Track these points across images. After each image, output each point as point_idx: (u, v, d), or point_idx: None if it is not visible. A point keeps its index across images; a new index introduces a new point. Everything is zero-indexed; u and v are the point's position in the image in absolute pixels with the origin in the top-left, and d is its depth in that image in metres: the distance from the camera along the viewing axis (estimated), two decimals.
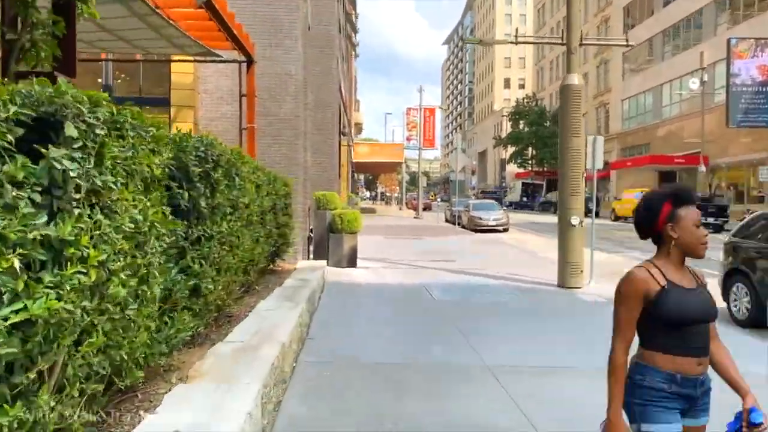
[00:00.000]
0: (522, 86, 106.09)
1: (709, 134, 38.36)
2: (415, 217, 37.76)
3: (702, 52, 33.70)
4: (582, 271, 10.72)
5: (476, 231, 26.64)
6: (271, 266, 10.03)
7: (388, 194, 74.22)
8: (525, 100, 65.50)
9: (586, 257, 11.04)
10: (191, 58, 10.69)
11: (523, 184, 60.82)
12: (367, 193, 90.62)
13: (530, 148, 65.51)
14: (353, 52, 52.87)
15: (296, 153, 11.70)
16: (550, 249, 19.09)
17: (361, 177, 73.28)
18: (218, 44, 10.04)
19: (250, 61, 10.55)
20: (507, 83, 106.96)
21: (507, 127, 78.49)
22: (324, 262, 12.02)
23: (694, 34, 42.89)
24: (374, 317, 7.78)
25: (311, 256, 12.97)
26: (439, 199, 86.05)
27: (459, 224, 29.33)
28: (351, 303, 8.73)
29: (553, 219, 41.41)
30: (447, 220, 34.73)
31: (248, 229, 6.07)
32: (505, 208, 40.46)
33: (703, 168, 33.55)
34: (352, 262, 12.62)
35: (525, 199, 57.93)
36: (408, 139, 38.10)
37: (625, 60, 54.02)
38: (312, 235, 13.00)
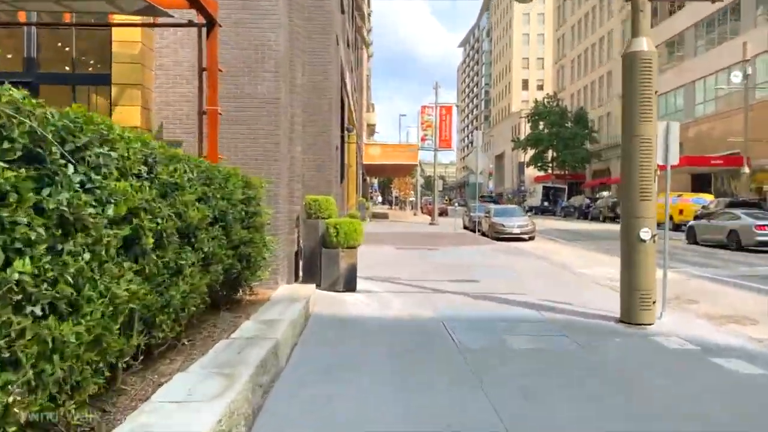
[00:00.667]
0: (540, 87, 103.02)
1: (750, 133, 35.27)
2: (430, 223, 35.09)
3: (745, 43, 30.73)
4: (654, 302, 8.01)
5: (498, 239, 23.95)
6: (238, 295, 7.46)
7: (402, 199, 71.45)
8: (545, 100, 62.58)
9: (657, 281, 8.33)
10: (136, 20, 8.17)
11: (544, 188, 57.86)
12: (380, 198, 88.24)
13: (550, 151, 62.55)
14: (366, 48, 50.42)
15: (277, 145, 9.12)
16: (587, 263, 16.38)
17: (375, 181, 70.65)
18: (168, 0, 7.52)
19: (210, 24, 8.00)
20: (525, 84, 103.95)
21: (525, 129, 75.54)
22: (312, 287, 9.42)
23: (732, 27, 39.85)
24: (367, 390, 5.13)
25: (300, 276, 10.39)
26: (456, 204, 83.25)
27: (479, 231, 26.61)
28: (337, 358, 6.10)
29: (579, 225, 38.89)
30: (465, 227, 32.03)
31: (143, 260, 3.49)
32: (529, 214, 37.70)
33: (746, 169, 30.54)
34: (350, 284, 10.01)
35: (546, 203, 55.03)
36: (423, 139, 35.41)
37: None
38: (302, 249, 10.43)
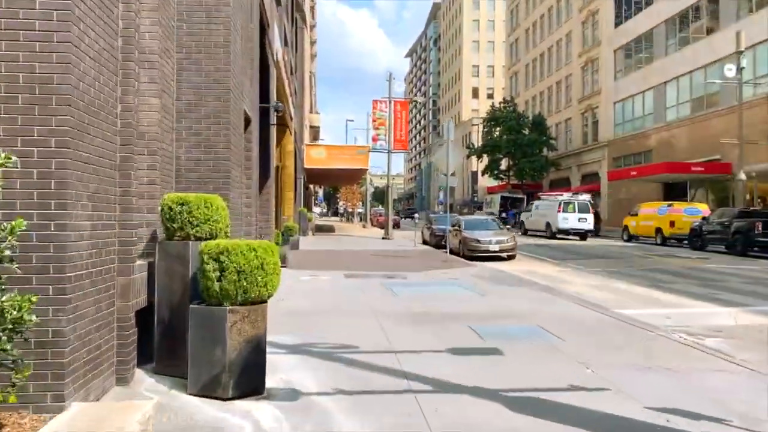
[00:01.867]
0: (491, 95, 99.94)
1: (730, 137, 31.87)
2: (384, 237, 29.98)
3: (739, 32, 27.15)
4: None
5: (473, 258, 19.09)
6: None
7: (349, 210, 66.07)
8: (502, 105, 58.74)
9: None
10: None
11: (503, 198, 53.71)
12: (319, 210, 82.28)
13: (506, 159, 58.63)
14: (310, 45, 45.18)
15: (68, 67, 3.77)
16: (625, 299, 11.03)
17: (319, 191, 64.93)
18: None
19: None
20: (475, 92, 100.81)
21: (478, 138, 71.69)
22: (150, 406, 4.07)
23: (709, 23, 36.69)
24: None
25: (153, 362, 5.08)
26: (402, 216, 78.57)
27: (445, 248, 21.76)
28: None
29: (550, 240, 34.77)
30: (425, 242, 27.07)
31: None
32: (508, 227, 33.12)
33: (743, 176, 26.82)
34: (250, 381, 4.72)
35: (504, 215, 50.89)
36: (374, 139, 30.26)
37: (617, 57, 47.78)
38: (158, 304, 5.10)
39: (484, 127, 59.41)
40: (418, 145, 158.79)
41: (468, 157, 65.33)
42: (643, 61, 44.00)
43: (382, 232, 31.75)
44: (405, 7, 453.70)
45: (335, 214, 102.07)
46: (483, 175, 62.35)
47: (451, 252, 19.47)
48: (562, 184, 56.90)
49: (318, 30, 68.45)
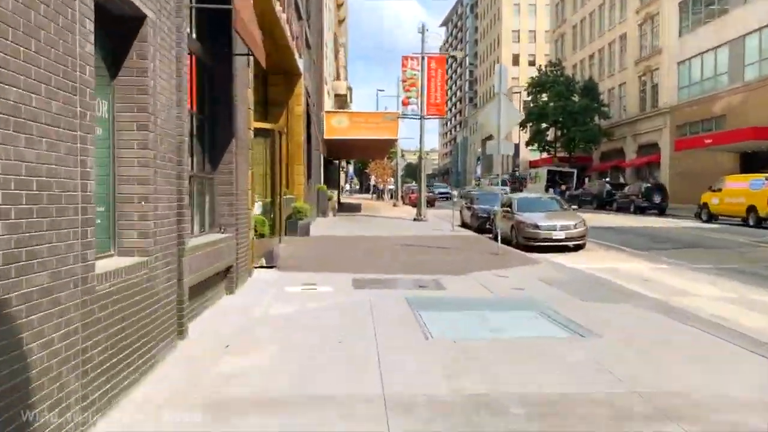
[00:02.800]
0: (532, 63, 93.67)
1: None
2: (416, 219, 25.63)
3: None
4: None
5: (530, 248, 14.62)
6: None
7: (380, 186, 61.51)
8: (548, 69, 53.21)
9: None
10: None
11: (550, 172, 48.46)
12: (349, 187, 77.39)
13: (552, 130, 53.27)
14: (336, 4, 40.72)
15: None
16: None
17: (349, 166, 60.58)
18: None
19: None
20: (515, 60, 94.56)
21: (520, 108, 65.82)
22: None
23: None
24: None
25: None
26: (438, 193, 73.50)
27: (490, 232, 17.38)
28: None
29: (613, 218, 28.71)
30: (464, 224, 22.64)
31: None
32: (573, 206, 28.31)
33: None
34: None
35: (552, 191, 45.87)
36: (405, 103, 25.56)
37: (683, 10, 41.83)
38: None
39: (528, 94, 54.03)
40: (453, 119, 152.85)
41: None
42: (716, 13, 38.07)
43: (414, 211, 27.32)
44: None
45: (368, 191, 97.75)
46: (528, 146, 57.07)
47: (502, 240, 15.01)
48: (615, 156, 51.40)
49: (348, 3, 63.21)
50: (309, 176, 21.23)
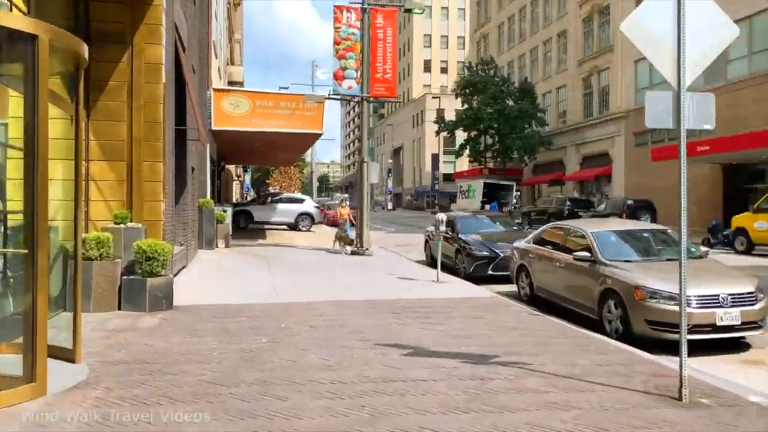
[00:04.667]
0: (444, 70, 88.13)
1: None
2: (354, 252, 16.92)
3: None
4: None
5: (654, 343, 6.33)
6: None
7: None
8: (479, 67, 46.44)
9: None
10: None
11: (487, 185, 41.33)
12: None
13: (484, 137, 46.48)
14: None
15: None
16: None
17: (246, 175, 50.03)
18: None
19: None
20: (427, 66, 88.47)
21: (428, 118, 58.77)
22: None
23: None
24: None
25: None
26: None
27: (492, 281, 9.32)
28: None
29: None
30: (432, 261, 14.27)
31: None
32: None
33: None
34: None
35: (488, 207, 38.88)
36: (337, 77, 16.36)
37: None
38: None
39: (457, 95, 46.85)
40: (357, 129, 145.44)
41: (438, 133, 52.63)
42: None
43: (339, 239, 18.22)
44: None
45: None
46: (458, 156, 49.90)
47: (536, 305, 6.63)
48: (554, 168, 45.30)
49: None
50: (180, 185, 11.96)
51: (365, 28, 16.51)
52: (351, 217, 18.32)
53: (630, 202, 27.36)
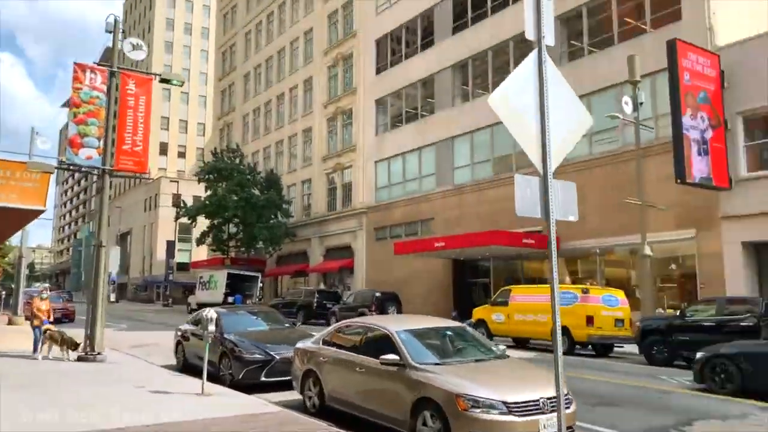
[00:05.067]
0: (182, 154, 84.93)
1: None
2: (80, 358, 13.57)
3: (632, 56, 20.18)
4: None
5: None
6: None
7: None
8: (225, 154, 45.25)
9: None
10: None
11: (231, 276, 39.05)
12: None
13: (228, 226, 44.78)
14: None
15: None
16: None
17: None
18: None
19: None
20: (163, 148, 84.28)
21: (163, 202, 55.14)
22: None
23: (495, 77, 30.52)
24: None
25: None
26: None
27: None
28: None
29: None
30: (185, 365, 12.17)
31: None
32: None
33: (648, 251, 19.16)
34: None
35: (231, 299, 36.69)
36: (74, 144, 13.22)
37: (380, 110, 39.42)
38: None
39: (200, 181, 44.65)
40: (74, 210, 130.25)
41: (177, 218, 49.02)
42: (418, 115, 36.30)
43: (56, 340, 14.61)
44: (63, 55, 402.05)
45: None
46: (200, 244, 46.82)
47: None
48: (298, 260, 45.27)
49: None
50: None
51: (113, 94, 14.24)
52: (50, 314, 15.06)
53: (378, 294, 28.03)
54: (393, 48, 39.05)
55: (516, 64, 26.84)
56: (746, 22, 21.19)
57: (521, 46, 29.30)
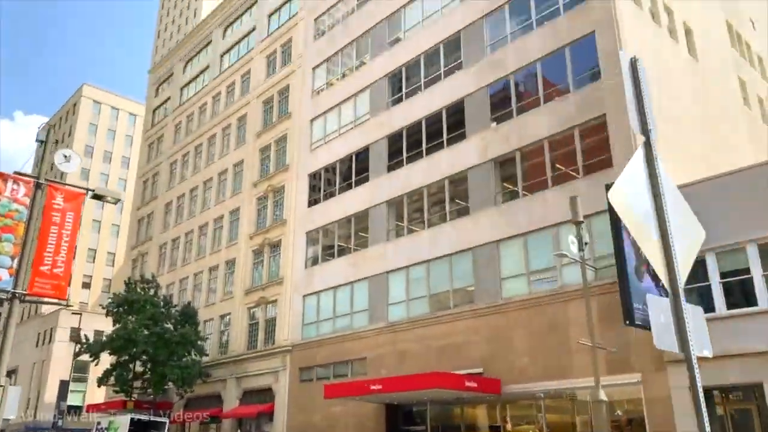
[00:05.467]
0: (87, 285, 79.24)
1: (499, 347, 25.05)
2: None
3: (574, 198, 20.62)
4: None
5: None
6: None
7: None
8: (139, 284, 42.04)
9: None
10: None
11: (135, 421, 34.40)
12: None
13: (134, 363, 40.53)
14: None
15: None
16: None
17: None
18: None
19: None
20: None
21: (60, 337, 50.17)
22: None
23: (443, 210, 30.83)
24: None
25: None
26: None
27: None
28: None
29: None
30: None
31: None
32: None
33: (603, 396, 18.30)
34: None
35: None
36: None
37: (311, 242, 38.41)
38: None
39: (108, 313, 40.81)
40: None
41: (77, 356, 43.94)
42: (351, 248, 35.58)
43: None
44: None
45: None
46: (101, 385, 41.72)
47: None
48: (211, 404, 41.07)
49: None
50: None
51: (37, 208, 12.50)
52: None
53: None
54: (327, 180, 39.06)
55: (452, 201, 27.08)
56: (680, 167, 22.52)
57: (456, 185, 29.98)
